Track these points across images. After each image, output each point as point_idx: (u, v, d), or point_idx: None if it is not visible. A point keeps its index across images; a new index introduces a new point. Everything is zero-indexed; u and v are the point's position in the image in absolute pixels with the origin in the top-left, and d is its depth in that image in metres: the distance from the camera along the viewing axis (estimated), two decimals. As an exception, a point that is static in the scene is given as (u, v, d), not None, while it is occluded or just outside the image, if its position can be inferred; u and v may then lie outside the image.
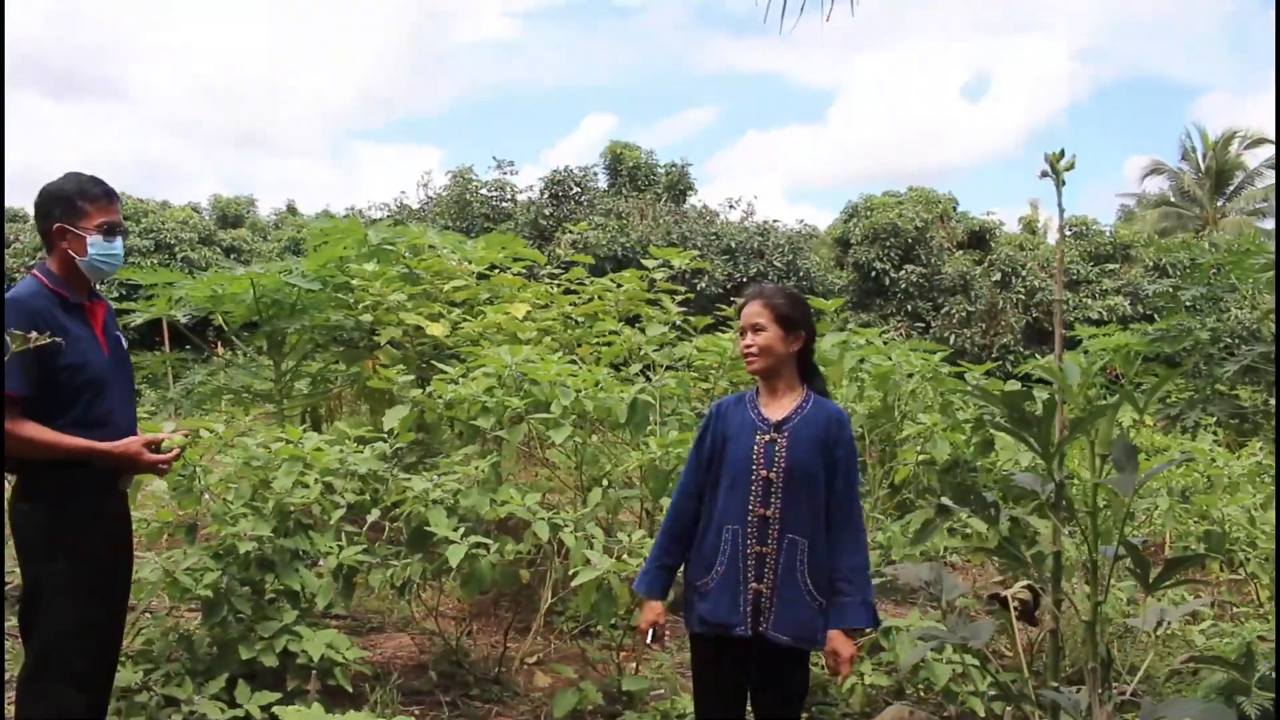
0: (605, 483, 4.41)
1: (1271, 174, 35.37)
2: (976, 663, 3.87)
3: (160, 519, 4.34)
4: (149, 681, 3.85)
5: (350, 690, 4.17)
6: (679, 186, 23.35)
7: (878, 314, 21.48)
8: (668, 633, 3.41)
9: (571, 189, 21.08)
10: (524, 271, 7.30)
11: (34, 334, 2.48)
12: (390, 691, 4.19)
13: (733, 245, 19.68)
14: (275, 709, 3.83)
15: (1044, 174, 2.99)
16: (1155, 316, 20.63)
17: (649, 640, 3.11)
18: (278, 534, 4.20)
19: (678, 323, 6.08)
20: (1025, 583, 3.08)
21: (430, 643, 4.93)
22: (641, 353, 5.31)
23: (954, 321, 20.76)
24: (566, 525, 4.01)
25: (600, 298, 6.32)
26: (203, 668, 4.04)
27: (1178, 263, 22.64)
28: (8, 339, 2.62)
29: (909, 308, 21.68)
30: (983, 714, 3.95)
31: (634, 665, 4.59)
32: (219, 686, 3.92)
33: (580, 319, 6.36)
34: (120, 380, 3.14)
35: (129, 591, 3.28)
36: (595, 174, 23.44)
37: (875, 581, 3.51)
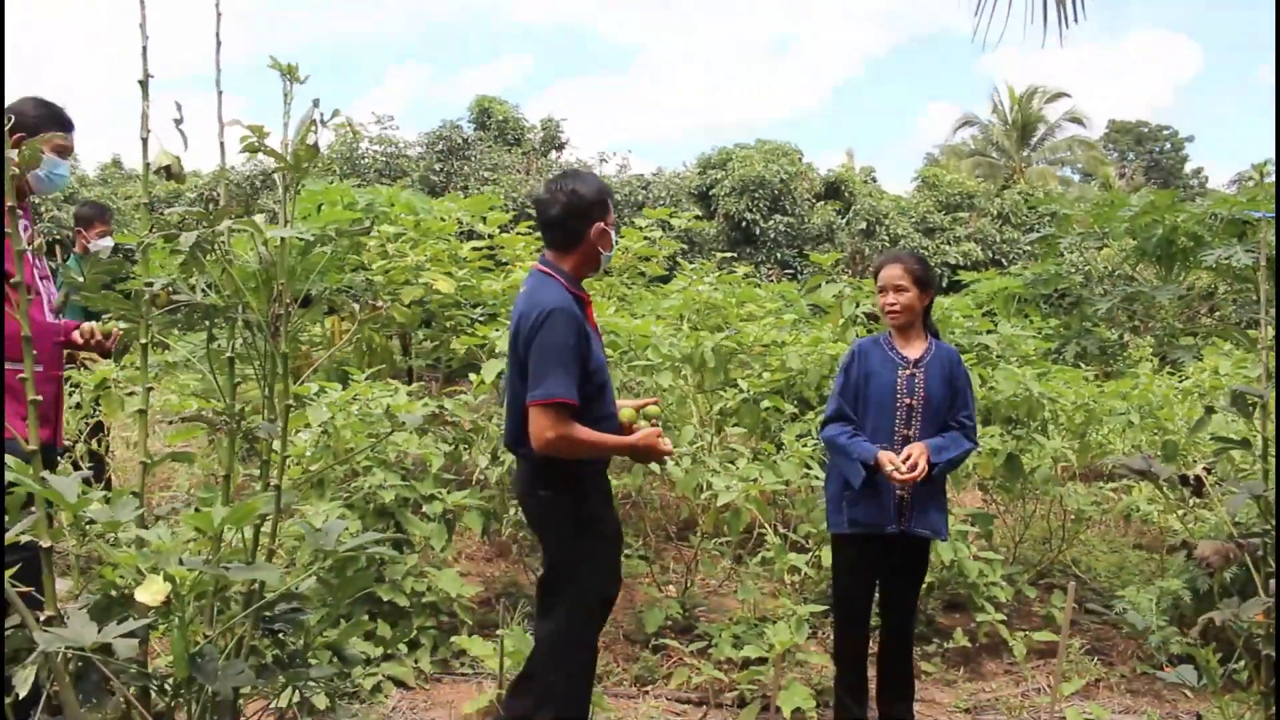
0: (697, 420, 4.91)
1: (1071, 127, 38.15)
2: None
3: (291, 476, 4.54)
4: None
5: (470, 622, 4.53)
6: (554, 142, 23.51)
7: (749, 262, 22.27)
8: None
9: (457, 144, 20.99)
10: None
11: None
12: (519, 617, 4.55)
13: (618, 199, 20.07)
14: (454, 640, 4.20)
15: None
16: (1004, 262, 22.21)
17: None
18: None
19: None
20: (1203, 466, 3.69)
21: (483, 577, 5.38)
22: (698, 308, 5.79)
23: (820, 268, 21.73)
24: (681, 460, 4.45)
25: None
26: (344, 610, 4.31)
27: (1019, 211, 24.29)
28: (570, 348, 2.91)
29: (778, 255, 22.58)
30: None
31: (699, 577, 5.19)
32: (366, 627, 4.23)
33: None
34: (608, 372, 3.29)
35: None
36: (462, 127, 23.40)
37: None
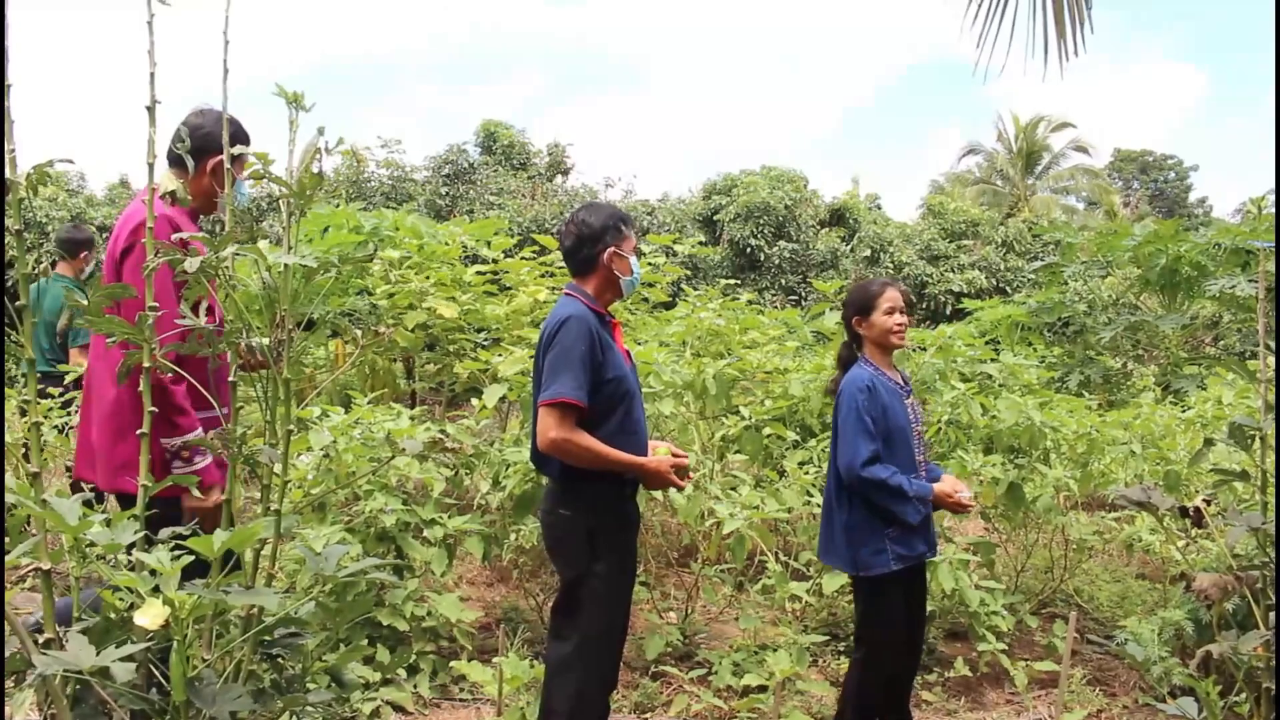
0: (699, 448, 4.92)
1: (1076, 155, 38.32)
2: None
3: (292, 500, 4.54)
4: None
5: (470, 647, 4.52)
6: (560, 167, 23.62)
7: (753, 288, 22.32)
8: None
9: (463, 168, 21.09)
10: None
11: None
12: (518, 643, 4.54)
13: (621, 224, 20.15)
14: (454, 665, 4.19)
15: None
16: (1008, 290, 22.24)
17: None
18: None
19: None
20: (1202, 498, 3.70)
21: (483, 602, 5.38)
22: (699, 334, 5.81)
23: (824, 296, 21.79)
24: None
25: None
26: (343, 635, 4.31)
27: (1023, 239, 24.33)
28: (581, 352, 2.97)
29: (782, 282, 22.60)
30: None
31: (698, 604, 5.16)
32: (365, 652, 4.22)
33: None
34: (639, 390, 3.35)
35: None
36: (468, 150, 23.52)
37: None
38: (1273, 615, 2.59)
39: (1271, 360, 3.25)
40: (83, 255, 6.60)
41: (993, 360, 7.02)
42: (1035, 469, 5.46)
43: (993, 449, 5.79)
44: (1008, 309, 11.75)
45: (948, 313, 20.96)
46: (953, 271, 22.52)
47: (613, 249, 3.29)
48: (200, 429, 3.02)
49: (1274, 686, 2.58)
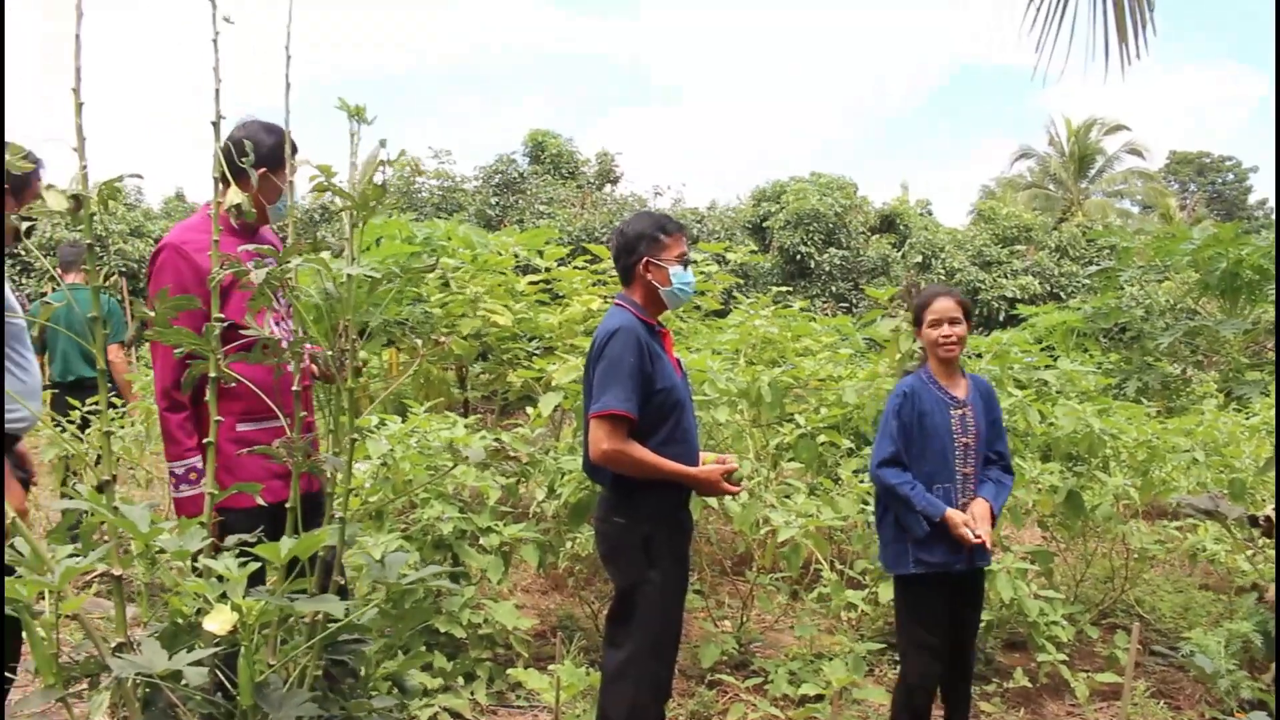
0: (753, 455, 4.92)
1: (1130, 158, 37.74)
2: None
3: (350, 507, 4.59)
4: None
5: (526, 655, 4.54)
6: (609, 176, 23.72)
7: (803, 295, 22.23)
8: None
9: (513, 178, 21.25)
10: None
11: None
12: (574, 651, 4.56)
13: (672, 232, 20.18)
14: (510, 672, 4.21)
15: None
16: (1062, 295, 21.95)
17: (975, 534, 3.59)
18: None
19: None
20: (1273, 507, 3.63)
21: (539, 610, 5.39)
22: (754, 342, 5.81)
23: (876, 302, 21.64)
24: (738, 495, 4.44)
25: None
26: (402, 642, 4.35)
27: (1077, 244, 24.00)
28: (630, 364, 2.99)
29: (832, 289, 22.50)
30: None
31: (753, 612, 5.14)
32: (425, 659, 4.25)
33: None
34: (690, 399, 3.36)
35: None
36: (517, 161, 23.68)
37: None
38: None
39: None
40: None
41: (1049, 367, 6.93)
42: (1095, 477, 5.37)
43: (1050, 456, 5.72)
44: (1063, 315, 11.61)
45: (1001, 319, 20.72)
46: (1005, 277, 22.28)
47: (647, 259, 3.26)
48: (197, 459, 3.02)
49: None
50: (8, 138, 2.25)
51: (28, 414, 3.23)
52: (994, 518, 3.63)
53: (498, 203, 20.52)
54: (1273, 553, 5.37)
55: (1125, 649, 4.49)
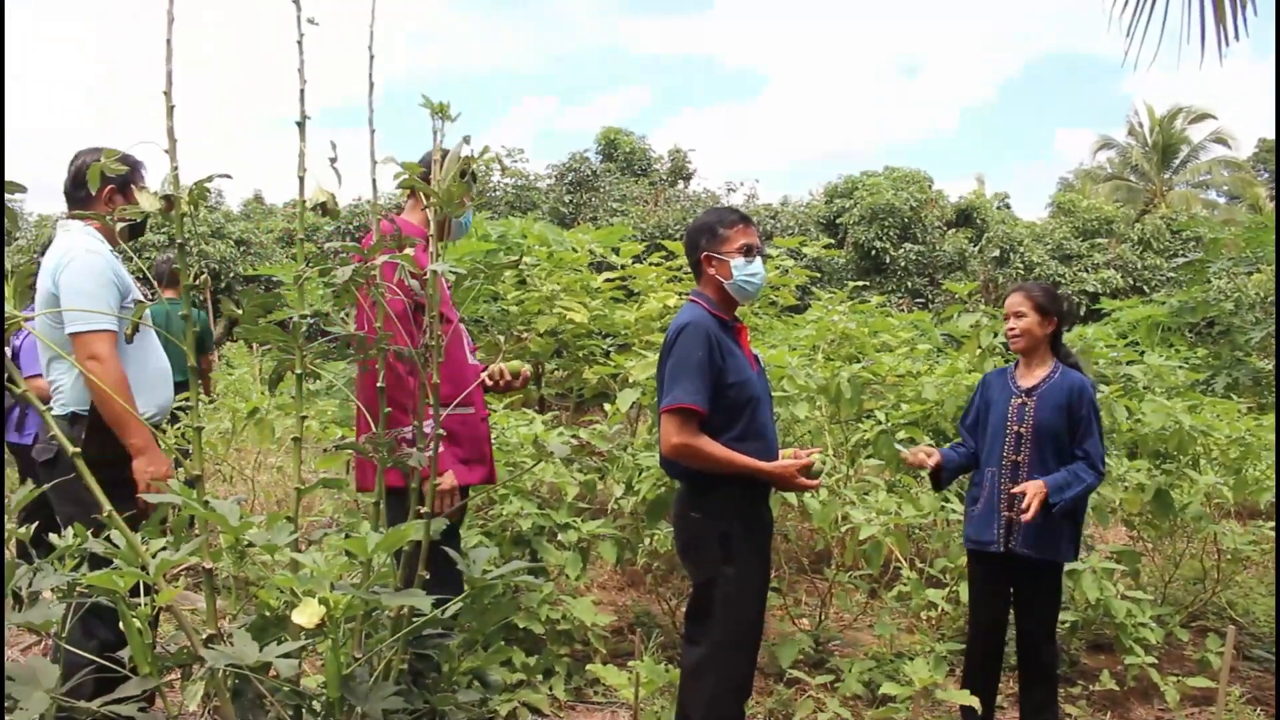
0: (832, 452, 4.88)
1: (1216, 147, 36.61)
2: None
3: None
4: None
5: (604, 651, 4.55)
6: (682, 173, 23.72)
7: (878, 291, 22.01)
8: None
9: (586, 176, 21.36)
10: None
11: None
12: (653, 648, 4.56)
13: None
14: (589, 668, 4.22)
15: None
16: (1145, 289, 21.43)
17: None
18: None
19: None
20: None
21: (616, 606, 5.40)
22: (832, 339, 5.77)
23: (954, 297, 21.36)
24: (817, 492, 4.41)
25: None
26: (483, 637, 4.38)
27: (1160, 236, 23.41)
28: (699, 359, 2.99)
29: (908, 284, 22.25)
30: None
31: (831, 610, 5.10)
32: (505, 654, 4.28)
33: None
34: (767, 395, 3.33)
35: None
36: (590, 158, 23.79)
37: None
38: None
39: None
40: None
41: (1135, 363, 6.76)
42: (1184, 475, 5.23)
43: (1137, 454, 5.57)
44: (1148, 309, 11.29)
45: (1082, 314, 20.29)
46: (1086, 271, 21.84)
47: (707, 253, 3.24)
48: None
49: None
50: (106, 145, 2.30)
51: (154, 404, 3.34)
52: (1053, 505, 3.55)
53: (571, 200, 20.65)
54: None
55: (1218, 652, 4.37)
